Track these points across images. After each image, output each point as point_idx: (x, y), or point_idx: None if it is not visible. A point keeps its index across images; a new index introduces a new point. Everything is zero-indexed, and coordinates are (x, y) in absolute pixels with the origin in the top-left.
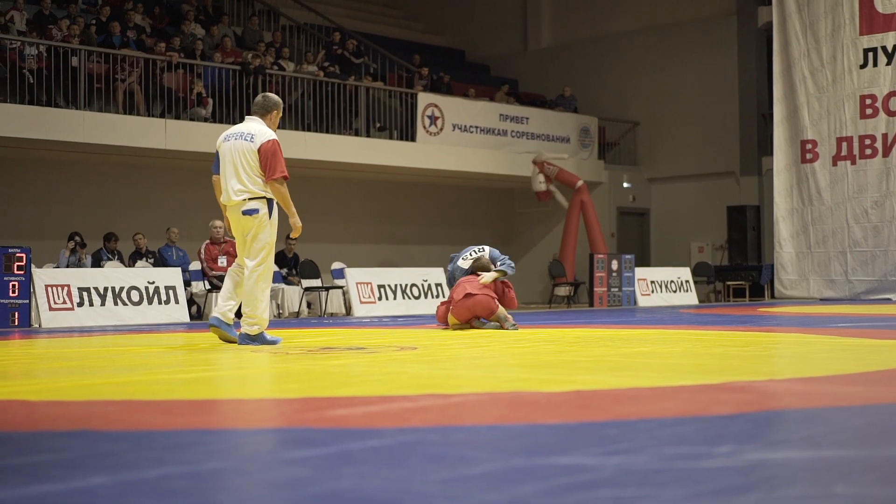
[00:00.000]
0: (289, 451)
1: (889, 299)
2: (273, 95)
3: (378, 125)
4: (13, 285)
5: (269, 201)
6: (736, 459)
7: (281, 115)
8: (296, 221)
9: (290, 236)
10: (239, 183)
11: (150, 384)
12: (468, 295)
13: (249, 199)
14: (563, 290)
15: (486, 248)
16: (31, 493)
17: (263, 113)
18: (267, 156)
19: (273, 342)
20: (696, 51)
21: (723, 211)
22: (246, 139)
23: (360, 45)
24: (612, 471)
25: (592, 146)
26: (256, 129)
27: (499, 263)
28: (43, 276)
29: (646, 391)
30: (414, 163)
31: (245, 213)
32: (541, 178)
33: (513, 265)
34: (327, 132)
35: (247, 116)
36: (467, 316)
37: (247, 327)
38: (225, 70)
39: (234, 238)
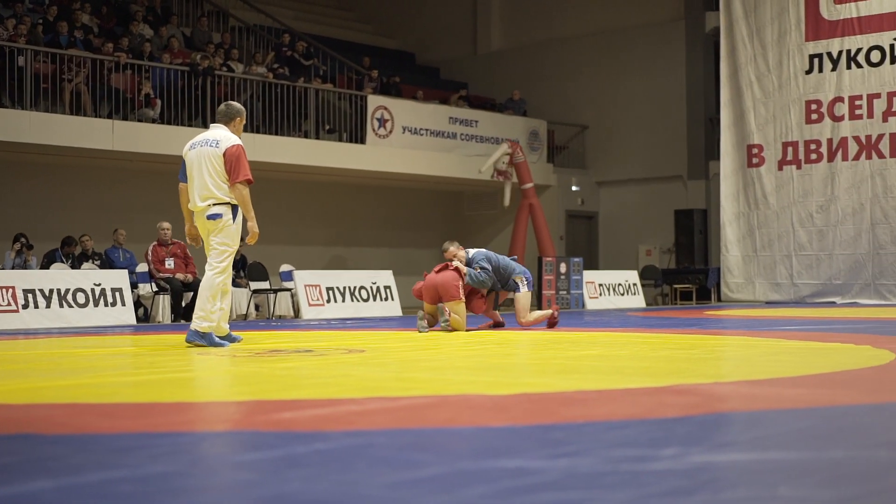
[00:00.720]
0: (235, 454)
1: (833, 302)
2: (235, 103)
3: (327, 127)
4: None
5: (234, 207)
6: (681, 462)
7: (244, 121)
8: (254, 226)
9: (247, 241)
10: (204, 189)
11: (95, 387)
12: (438, 272)
13: (214, 203)
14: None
15: (480, 251)
16: None
17: (227, 120)
18: (231, 160)
19: (220, 345)
20: (644, 55)
21: (670, 214)
22: (211, 145)
23: (309, 46)
24: (559, 473)
25: (541, 149)
26: (221, 136)
27: (467, 270)
28: None
29: (593, 394)
30: (363, 165)
31: (209, 217)
32: (506, 158)
33: (478, 276)
34: (276, 134)
35: (211, 125)
36: (432, 294)
37: (198, 322)
38: (173, 71)
39: (196, 245)
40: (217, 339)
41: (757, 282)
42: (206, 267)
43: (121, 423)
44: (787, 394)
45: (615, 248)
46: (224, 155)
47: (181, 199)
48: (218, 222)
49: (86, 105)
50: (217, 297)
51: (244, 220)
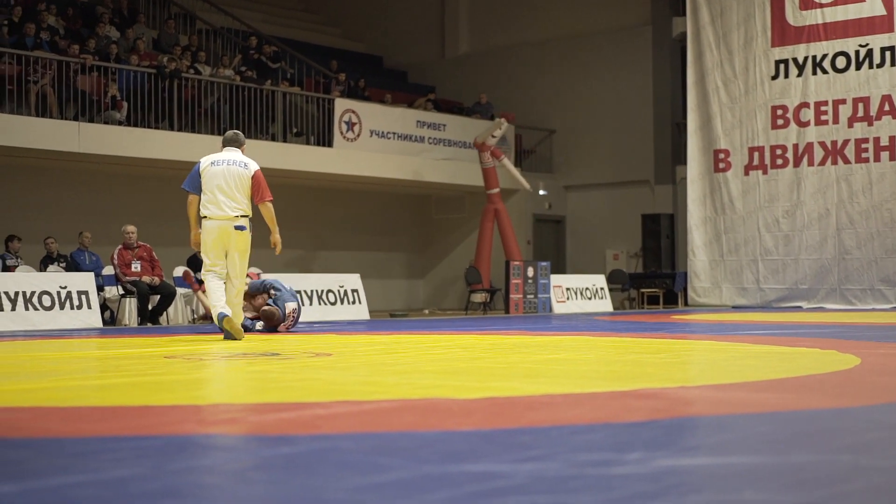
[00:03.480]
0: (199, 458)
1: (800, 307)
2: (240, 133)
3: (295, 130)
4: None
5: (250, 221)
6: (647, 466)
7: None
8: (278, 238)
9: (276, 253)
10: (234, 202)
11: (59, 391)
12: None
13: (242, 216)
14: (479, 297)
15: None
16: None
17: (239, 146)
18: (259, 182)
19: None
20: (612, 60)
21: (637, 219)
22: (240, 166)
23: (277, 50)
24: (525, 478)
25: (509, 153)
26: (247, 160)
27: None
28: None
29: (559, 398)
30: (331, 168)
31: (237, 227)
32: (499, 132)
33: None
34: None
35: (225, 148)
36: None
37: (241, 318)
38: (140, 73)
39: (203, 251)
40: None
41: (724, 286)
42: (234, 276)
43: (84, 427)
44: (753, 398)
45: (582, 252)
46: (252, 178)
47: (190, 210)
48: (244, 234)
49: (52, 107)
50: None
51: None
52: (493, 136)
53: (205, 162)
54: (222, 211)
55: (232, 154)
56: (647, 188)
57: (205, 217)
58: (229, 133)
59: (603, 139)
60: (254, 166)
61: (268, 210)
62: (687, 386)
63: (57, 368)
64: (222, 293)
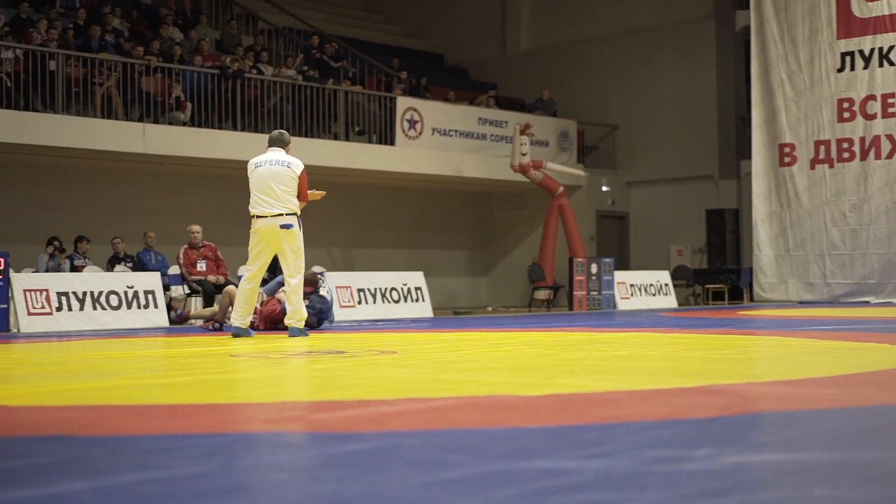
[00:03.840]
0: (268, 455)
1: (867, 302)
2: (286, 132)
3: (357, 129)
4: None
5: (299, 218)
6: (715, 462)
7: None
8: (316, 194)
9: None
10: (278, 201)
11: (127, 389)
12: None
13: (287, 214)
14: (542, 294)
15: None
16: (7, 499)
17: (284, 145)
18: (306, 181)
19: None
20: (674, 54)
21: (702, 214)
22: (283, 165)
23: (338, 49)
24: (592, 474)
25: (571, 150)
26: (290, 159)
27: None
28: (21, 281)
29: (625, 395)
30: (393, 167)
31: (283, 226)
32: (524, 143)
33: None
34: (306, 136)
35: (270, 148)
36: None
37: (294, 322)
38: (204, 74)
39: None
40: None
41: (790, 281)
42: (288, 274)
43: (153, 425)
44: (822, 394)
45: (646, 248)
46: (299, 177)
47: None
48: (290, 232)
49: (117, 108)
50: (301, 299)
51: None
52: (523, 153)
53: (251, 165)
54: (267, 211)
55: (275, 154)
56: (712, 183)
57: (253, 217)
58: (274, 133)
59: (666, 134)
60: (298, 165)
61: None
62: (754, 382)
63: (125, 367)
64: (244, 305)
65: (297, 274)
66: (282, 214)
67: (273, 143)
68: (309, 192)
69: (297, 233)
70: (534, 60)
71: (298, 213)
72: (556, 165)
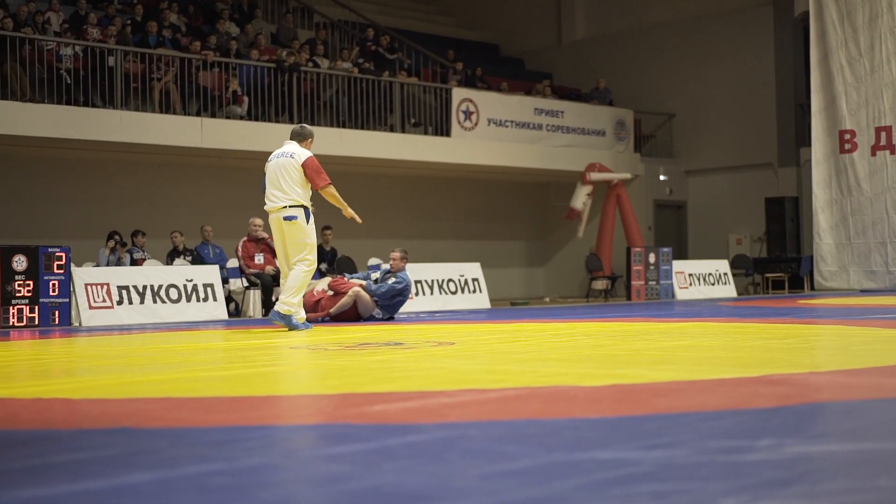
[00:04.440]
0: (328, 447)
1: None
2: (309, 127)
3: (413, 121)
4: (53, 284)
5: (305, 209)
6: (778, 453)
7: (313, 143)
8: (351, 212)
9: (356, 221)
10: (281, 192)
11: (189, 381)
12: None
13: (290, 206)
14: (600, 284)
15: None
16: (73, 491)
17: (300, 139)
18: (309, 170)
19: (296, 327)
20: (732, 41)
21: (761, 202)
22: (288, 157)
23: (393, 40)
24: (654, 465)
25: (628, 139)
26: (296, 150)
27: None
28: (83, 275)
29: (685, 385)
30: (449, 158)
31: (286, 218)
32: (585, 196)
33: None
34: (362, 128)
35: (286, 141)
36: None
37: (281, 306)
38: (260, 68)
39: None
40: (295, 321)
41: (851, 270)
42: (291, 264)
43: (215, 417)
44: (885, 383)
45: (705, 237)
46: (303, 166)
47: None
48: (293, 224)
49: (174, 103)
50: (298, 290)
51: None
52: (583, 203)
53: (267, 163)
54: (273, 205)
55: (286, 147)
56: (771, 171)
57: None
58: (295, 127)
59: (724, 122)
60: (302, 155)
61: (328, 194)
62: (816, 372)
63: (186, 360)
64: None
65: (300, 265)
66: (285, 207)
67: (291, 136)
68: (347, 210)
69: (302, 224)
70: (589, 49)
71: (306, 204)
72: (600, 175)
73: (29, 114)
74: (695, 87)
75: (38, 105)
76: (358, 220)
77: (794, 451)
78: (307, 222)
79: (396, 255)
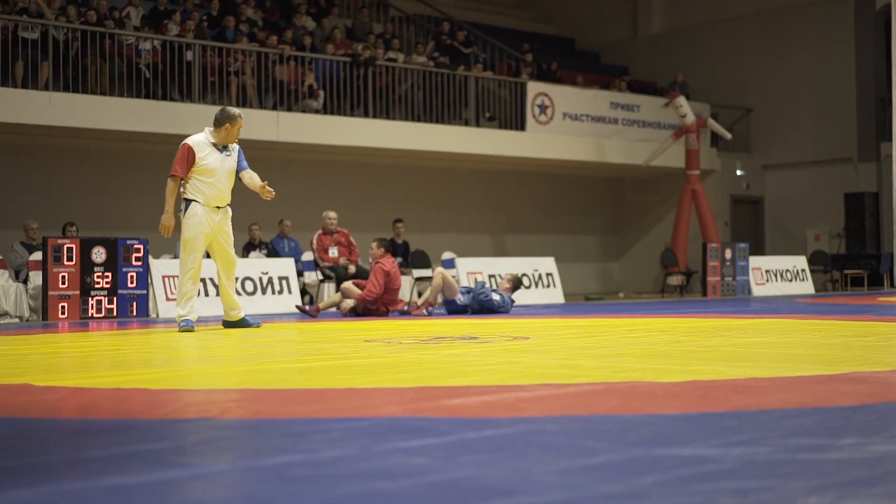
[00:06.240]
0: (407, 439)
1: None
2: (229, 109)
3: (488, 115)
4: (131, 276)
5: (187, 202)
6: (861, 451)
7: (236, 127)
8: (166, 219)
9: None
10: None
11: (266, 373)
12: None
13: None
14: (675, 280)
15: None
16: (154, 480)
17: (215, 124)
18: (176, 156)
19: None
20: (811, 34)
21: (840, 198)
22: None
23: (469, 35)
24: (735, 462)
25: (705, 133)
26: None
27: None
28: (160, 267)
29: (764, 382)
30: (524, 152)
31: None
32: (683, 109)
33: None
34: (437, 122)
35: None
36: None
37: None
38: (336, 62)
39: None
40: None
41: None
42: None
43: (294, 409)
44: None
45: (782, 233)
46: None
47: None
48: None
49: (251, 97)
50: (182, 291)
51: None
52: (683, 116)
53: None
54: None
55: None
56: (850, 166)
57: None
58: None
59: (803, 116)
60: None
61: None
62: None
63: (262, 352)
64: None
65: (181, 269)
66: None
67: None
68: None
69: (183, 220)
70: (666, 42)
71: (189, 195)
72: (714, 123)
73: (109, 108)
74: (773, 81)
75: (117, 99)
76: (163, 232)
77: (878, 450)
78: (184, 216)
79: (507, 284)
